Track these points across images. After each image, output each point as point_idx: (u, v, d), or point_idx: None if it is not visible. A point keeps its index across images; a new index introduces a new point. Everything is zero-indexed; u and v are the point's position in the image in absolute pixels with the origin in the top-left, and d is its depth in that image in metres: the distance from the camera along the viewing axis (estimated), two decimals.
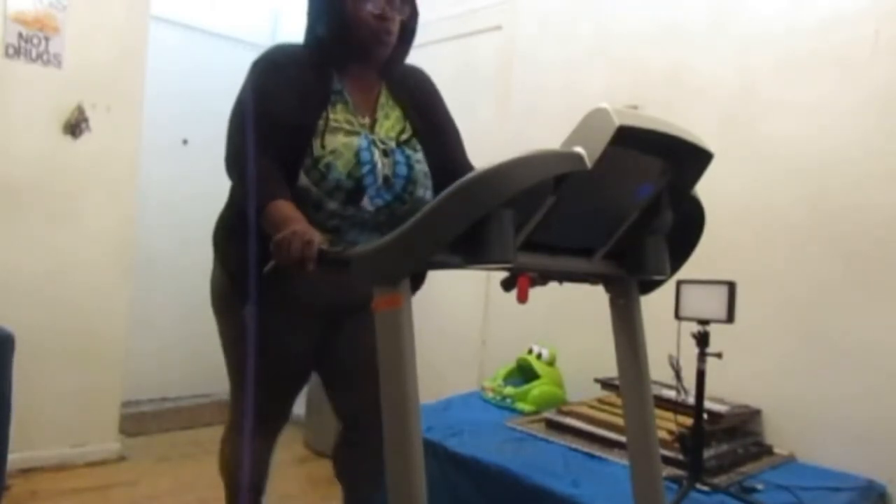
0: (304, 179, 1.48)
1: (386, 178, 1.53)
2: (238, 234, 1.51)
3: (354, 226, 1.53)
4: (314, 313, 1.65)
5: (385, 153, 1.55)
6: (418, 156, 1.60)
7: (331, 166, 1.47)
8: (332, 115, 1.53)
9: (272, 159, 1.45)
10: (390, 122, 1.62)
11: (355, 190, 1.49)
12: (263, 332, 1.59)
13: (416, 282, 1.65)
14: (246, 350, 1.59)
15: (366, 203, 1.51)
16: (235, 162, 1.49)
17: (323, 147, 1.48)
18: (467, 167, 1.63)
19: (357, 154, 1.50)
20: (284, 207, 1.37)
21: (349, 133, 1.53)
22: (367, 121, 1.59)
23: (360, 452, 1.77)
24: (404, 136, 1.62)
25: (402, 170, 1.56)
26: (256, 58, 1.59)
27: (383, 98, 1.64)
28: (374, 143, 1.54)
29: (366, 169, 1.50)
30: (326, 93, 1.55)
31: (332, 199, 1.49)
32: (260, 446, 1.76)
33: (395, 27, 1.57)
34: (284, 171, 1.46)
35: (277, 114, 1.49)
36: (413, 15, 1.63)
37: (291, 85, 1.52)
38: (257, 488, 1.79)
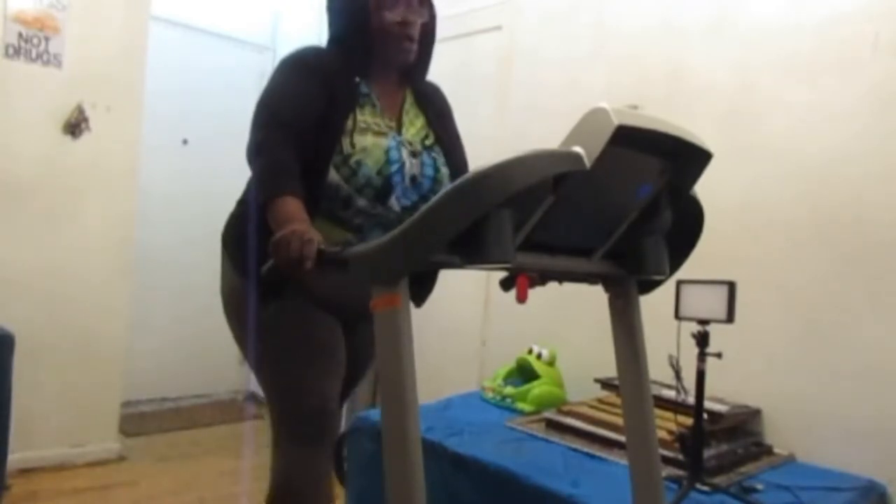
0: (334, 175, 1.49)
1: (413, 178, 1.55)
2: (253, 235, 1.50)
3: (378, 225, 1.53)
4: (331, 310, 1.61)
5: (413, 154, 1.58)
6: (443, 160, 1.64)
7: (361, 163, 1.50)
8: (359, 116, 1.54)
9: (292, 153, 1.44)
10: (416, 128, 1.66)
11: (384, 188, 1.52)
12: (300, 316, 1.55)
13: (426, 288, 1.66)
14: (289, 344, 1.54)
15: (393, 203, 1.53)
16: (257, 153, 1.46)
17: (353, 146, 1.50)
18: None
19: (387, 152, 1.52)
20: (290, 204, 1.36)
21: (378, 134, 1.55)
22: (393, 124, 1.61)
23: None
24: (428, 142, 1.65)
25: (429, 171, 1.59)
26: (285, 55, 1.60)
27: (408, 105, 1.68)
28: (402, 143, 1.57)
29: (395, 168, 1.53)
30: (354, 94, 1.56)
31: (362, 196, 1.51)
32: (326, 458, 1.61)
33: (417, 32, 1.60)
34: (307, 166, 1.45)
35: (303, 109, 1.50)
36: (432, 18, 1.65)
37: (320, 83, 1.53)
38: None
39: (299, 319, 1.56)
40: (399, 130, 1.61)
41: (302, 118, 1.48)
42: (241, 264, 1.59)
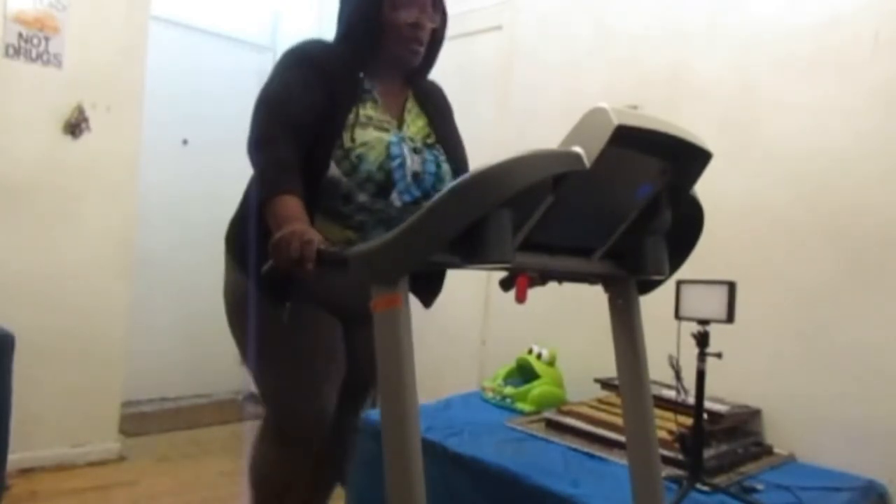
0: (334, 170, 1.48)
1: (416, 174, 1.55)
2: (256, 234, 1.49)
3: (381, 222, 1.53)
4: (332, 310, 1.62)
5: (415, 151, 1.58)
6: (444, 157, 1.64)
7: (362, 158, 1.49)
8: (361, 111, 1.54)
9: (293, 148, 1.43)
10: (417, 126, 1.66)
11: (386, 183, 1.51)
12: (306, 320, 1.56)
13: (434, 289, 1.66)
14: (291, 345, 1.56)
15: (394, 198, 1.53)
16: (257, 149, 1.45)
17: (353, 140, 1.50)
18: None
19: (388, 147, 1.52)
20: (289, 203, 1.35)
21: (379, 129, 1.55)
22: (395, 121, 1.61)
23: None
24: (430, 141, 1.65)
25: (431, 167, 1.59)
26: (288, 48, 1.60)
27: (410, 104, 1.68)
28: (403, 139, 1.57)
29: (396, 162, 1.52)
30: (356, 89, 1.57)
31: (363, 192, 1.50)
32: (306, 459, 1.66)
33: (427, 36, 1.60)
34: (307, 161, 1.45)
35: (304, 102, 1.49)
36: (443, 23, 1.65)
37: (321, 76, 1.53)
38: None
39: (305, 323, 1.56)
40: (400, 128, 1.61)
41: (302, 113, 1.48)
42: (244, 263, 1.59)
